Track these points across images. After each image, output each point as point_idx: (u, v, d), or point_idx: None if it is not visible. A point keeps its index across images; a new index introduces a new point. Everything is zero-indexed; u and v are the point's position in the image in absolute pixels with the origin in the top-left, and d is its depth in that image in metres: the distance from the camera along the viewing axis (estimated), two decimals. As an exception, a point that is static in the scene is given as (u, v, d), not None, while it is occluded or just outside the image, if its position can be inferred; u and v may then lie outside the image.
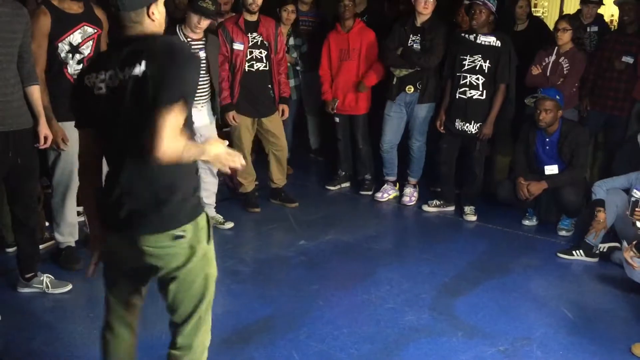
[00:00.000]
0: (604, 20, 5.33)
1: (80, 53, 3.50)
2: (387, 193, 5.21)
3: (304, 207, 4.92)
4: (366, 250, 4.19)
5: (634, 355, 3.01)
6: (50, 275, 3.46)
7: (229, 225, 4.46)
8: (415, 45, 4.75)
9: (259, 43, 4.53)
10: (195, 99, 3.91)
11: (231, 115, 4.52)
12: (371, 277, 3.79)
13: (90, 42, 3.54)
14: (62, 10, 3.42)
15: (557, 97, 4.35)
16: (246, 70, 4.52)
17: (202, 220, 2.04)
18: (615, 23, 6.23)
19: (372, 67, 4.97)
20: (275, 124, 4.77)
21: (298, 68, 5.53)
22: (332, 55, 5.07)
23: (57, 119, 3.42)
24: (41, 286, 3.41)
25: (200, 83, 3.94)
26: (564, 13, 6.97)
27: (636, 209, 3.81)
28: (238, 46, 4.44)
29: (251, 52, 4.52)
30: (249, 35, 4.49)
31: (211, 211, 4.40)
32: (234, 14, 4.91)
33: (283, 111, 4.74)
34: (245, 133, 4.68)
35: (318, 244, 4.25)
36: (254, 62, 4.55)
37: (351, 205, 5.10)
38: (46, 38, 3.38)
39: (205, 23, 3.90)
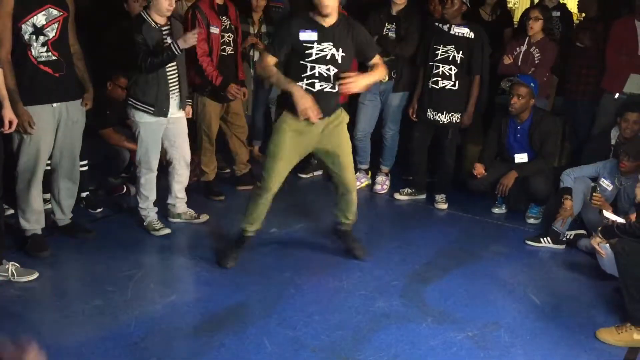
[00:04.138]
0: (565, 5, 5.44)
1: (44, 35, 3.41)
2: (360, 181, 5.21)
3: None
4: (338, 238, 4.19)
5: (599, 339, 3.08)
6: (15, 264, 3.40)
7: (204, 218, 4.38)
8: (390, 34, 4.76)
9: (227, 27, 4.51)
10: (170, 88, 3.86)
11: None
12: (342, 264, 3.80)
13: (55, 25, 3.44)
14: None
15: (532, 84, 4.41)
16: (219, 54, 4.47)
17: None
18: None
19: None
20: (239, 105, 4.79)
21: None
22: None
23: (23, 104, 3.34)
24: (6, 274, 3.34)
25: (170, 70, 3.89)
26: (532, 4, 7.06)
27: (594, 194, 3.90)
28: (214, 30, 4.37)
29: (222, 37, 4.47)
30: (221, 18, 4.45)
31: (183, 206, 4.33)
32: None
33: (244, 93, 4.77)
34: (216, 120, 4.65)
35: (289, 231, 4.25)
36: (226, 46, 4.51)
37: (323, 193, 5.08)
38: (10, 18, 3.27)
39: (174, 5, 3.80)
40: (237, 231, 3.78)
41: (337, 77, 3.32)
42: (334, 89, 3.34)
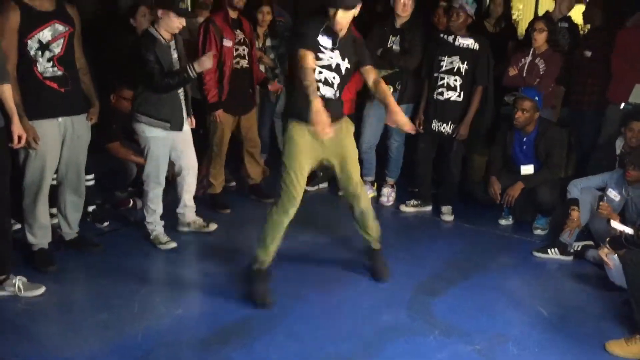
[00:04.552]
0: (571, 17, 5.45)
1: (50, 51, 3.44)
2: (365, 193, 5.22)
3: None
4: (344, 250, 4.19)
5: (608, 352, 3.05)
6: (23, 278, 3.40)
7: (213, 227, 4.42)
8: (394, 47, 4.77)
9: (242, 40, 4.57)
10: (180, 100, 3.95)
11: (218, 113, 4.53)
12: (348, 276, 3.79)
13: (61, 40, 3.48)
14: (32, 7, 3.36)
15: (536, 98, 4.40)
16: (232, 67, 4.53)
17: None
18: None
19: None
20: (252, 120, 4.86)
21: (277, 71, 5.47)
22: None
23: (28, 118, 3.37)
24: (13, 289, 3.35)
25: None
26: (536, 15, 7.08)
27: (601, 203, 3.88)
28: (227, 43, 4.45)
29: (237, 50, 4.53)
30: (235, 32, 4.52)
31: (192, 215, 4.36)
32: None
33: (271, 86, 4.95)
34: (227, 133, 4.70)
35: (296, 244, 4.22)
36: (240, 60, 4.57)
37: (329, 206, 5.09)
38: (16, 34, 3.31)
39: (184, 24, 3.86)
40: (250, 265, 3.57)
41: (339, 85, 3.38)
42: (335, 96, 3.38)
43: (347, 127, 3.53)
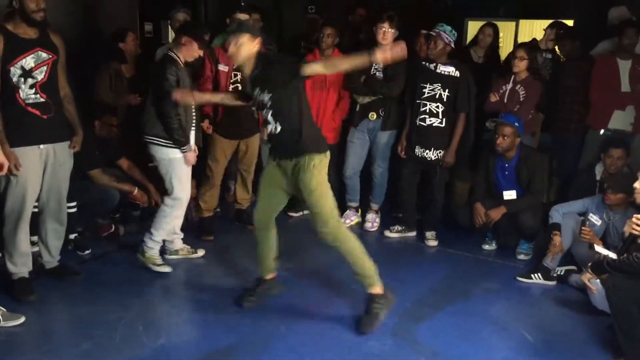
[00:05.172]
0: (555, 49, 5.54)
1: (32, 78, 3.44)
2: (350, 219, 5.23)
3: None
4: (328, 276, 4.17)
5: (592, 377, 3.06)
6: (2, 308, 3.34)
7: (201, 252, 4.42)
8: (377, 74, 4.83)
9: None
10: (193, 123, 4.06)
11: (205, 123, 4.59)
12: (333, 303, 3.77)
13: (45, 67, 3.48)
14: (16, 34, 3.37)
15: (517, 124, 4.46)
16: (231, 91, 4.58)
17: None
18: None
19: (338, 105, 5.06)
20: (254, 146, 4.86)
21: None
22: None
23: (9, 145, 3.34)
24: (-8, 319, 3.29)
25: (193, 107, 4.01)
26: (519, 42, 7.18)
27: (583, 228, 3.92)
28: (222, 67, 4.56)
29: (235, 75, 4.58)
30: None
31: (179, 242, 4.35)
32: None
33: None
34: (222, 157, 4.71)
35: (279, 270, 4.20)
36: (239, 85, 4.60)
37: (313, 232, 5.05)
38: None
39: (202, 53, 4.00)
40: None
41: (274, 117, 3.34)
42: (277, 130, 3.34)
43: (306, 162, 3.33)
